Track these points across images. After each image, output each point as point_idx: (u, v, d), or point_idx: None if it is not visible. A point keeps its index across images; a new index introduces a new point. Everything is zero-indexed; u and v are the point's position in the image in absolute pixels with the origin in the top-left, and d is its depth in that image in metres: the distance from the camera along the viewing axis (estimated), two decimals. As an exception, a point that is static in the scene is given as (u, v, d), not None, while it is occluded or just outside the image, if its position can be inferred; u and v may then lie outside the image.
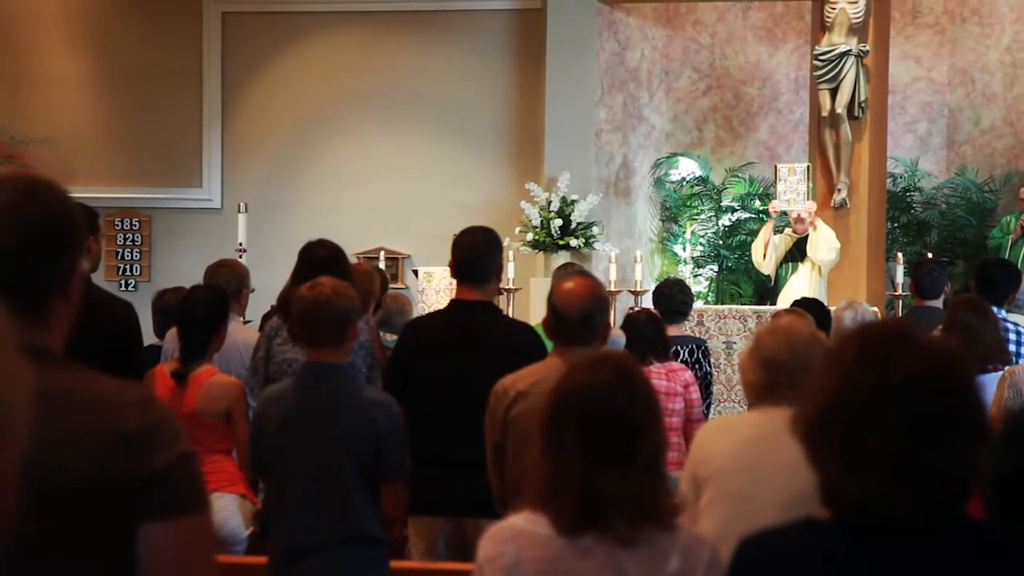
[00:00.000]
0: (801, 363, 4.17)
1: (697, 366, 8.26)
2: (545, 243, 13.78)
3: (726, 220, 15.30)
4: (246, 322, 7.91)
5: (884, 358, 2.23)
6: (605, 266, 12.87)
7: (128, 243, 15.23)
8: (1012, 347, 7.68)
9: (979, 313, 7.02)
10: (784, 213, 13.07)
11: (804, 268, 12.87)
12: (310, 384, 5.15)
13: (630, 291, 12.38)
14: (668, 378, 7.34)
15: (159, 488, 2.25)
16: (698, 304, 12.10)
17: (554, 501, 3.13)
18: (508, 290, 12.05)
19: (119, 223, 15.10)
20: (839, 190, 13.13)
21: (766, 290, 13.91)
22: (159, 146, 15.04)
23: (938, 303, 9.10)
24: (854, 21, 13.05)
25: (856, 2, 13.05)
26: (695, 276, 14.95)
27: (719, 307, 12.44)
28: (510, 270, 12.13)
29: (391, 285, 10.39)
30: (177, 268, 14.00)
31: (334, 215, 14.29)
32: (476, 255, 6.06)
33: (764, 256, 13.14)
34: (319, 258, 6.22)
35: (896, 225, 14.81)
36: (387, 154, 14.85)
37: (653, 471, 3.15)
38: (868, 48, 13.07)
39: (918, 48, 15.33)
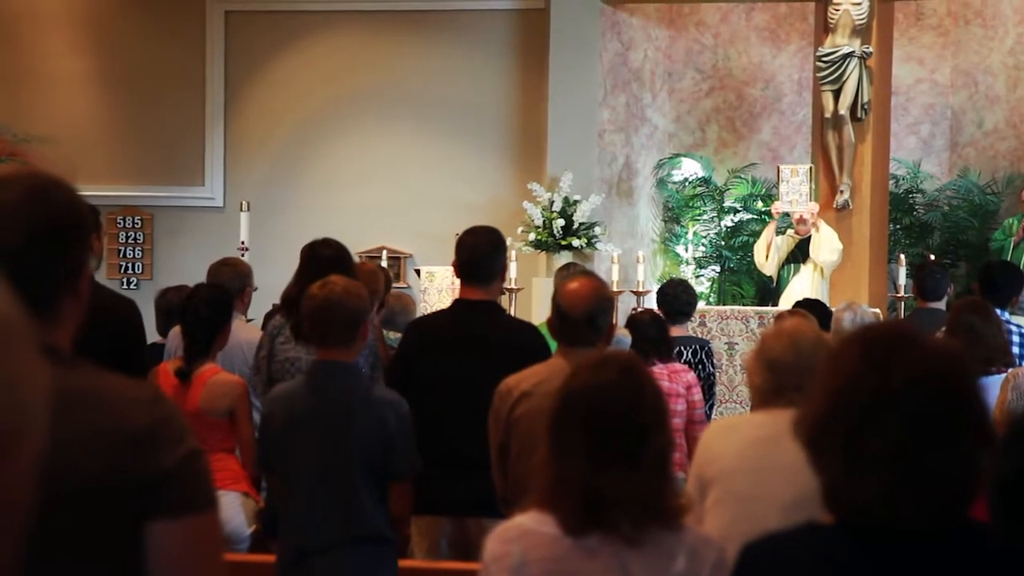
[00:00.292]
0: (806, 365, 4.16)
1: (700, 367, 8.26)
2: (547, 243, 13.78)
3: (728, 221, 15.29)
4: (248, 320, 7.91)
5: (886, 360, 2.22)
6: (607, 266, 12.85)
7: (130, 241, 15.23)
8: (1016, 349, 7.68)
9: (983, 315, 7.01)
10: (786, 214, 13.06)
11: (806, 269, 12.87)
12: (319, 383, 5.14)
13: (632, 291, 12.37)
14: (670, 379, 7.34)
15: (167, 487, 2.25)
16: (700, 305, 12.09)
17: (560, 501, 3.13)
18: (510, 290, 12.04)
19: (121, 221, 15.10)
20: (841, 191, 13.13)
21: (768, 291, 13.91)
22: (161, 144, 15.04)
23: (941, 305, 9.10)
24: (857, 23, 13.05)
25: (860, 4, 13.05)
26: (697, 277, 14.94)
27: (721, 308, 12.43)
28: (512, 270, 12.13)
29: (393, 285, 10.38)
30: (179, 266, 14.01)
31: (336, 214, 14.29)
32: (480, 255, 6.06)
33: (766, 257, 13.14)
34: (324, 257, 6.21)
35: (898, 227, 14.81)
36: (389, 153, 14.86)
37: (659, 471, 3.15)
38: (871, 50, 13.07)
39: (921, 50, 15.32)
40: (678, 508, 3.17)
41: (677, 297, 8.74)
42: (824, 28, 13.26)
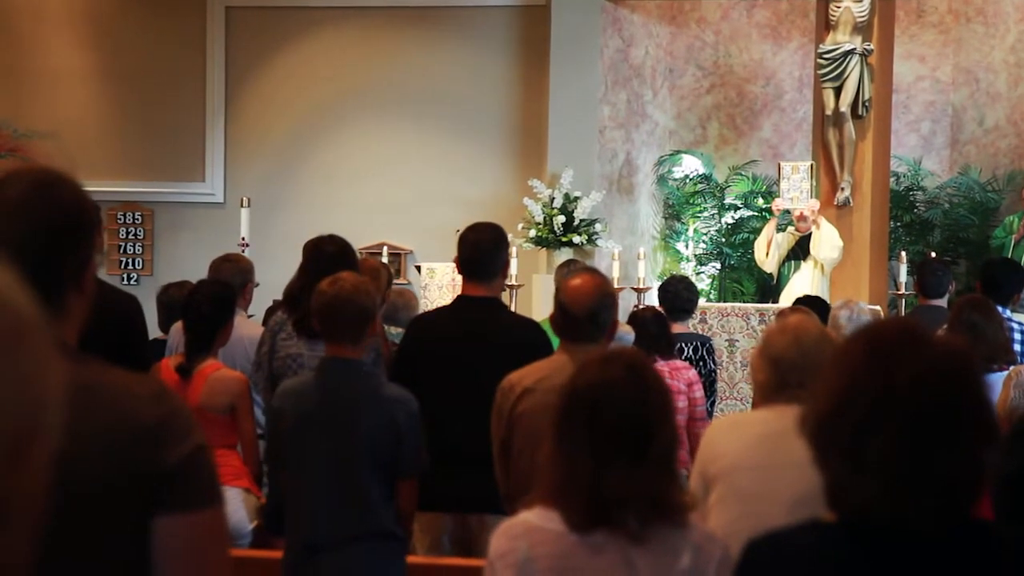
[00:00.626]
0: (810, 362, 4.16)
1: (701, 363, 8.25)
2: (548, 240, 13.78)
3: (729, 218, 15.29)
4: (249, 316, 7.90)
5: (891, 359, 2.21)
6: (608, 263, 12.85)
7: (130, 237, 15.23)
8: (1017, 347, 7.69)
9: (984, 313, 7.01)
10: (787, 211, 13.06)
11: (807, 266, 12.86)
12: (330, 380, 5.14)
13: (633, 288, 12.36)
14: (672, 376, 7.33)
15: (174, 482, 2.25)
16: (701, 302, 12.09)
17: (565, 498, 3.12)
18: (511, 286, 12.04)
19: (121, 217, 15.10)
20: (842, 189, 13.12)
21: (768, 288, 13.90)
22: (162, 140, 15.04)
23: (942, 302, 9.10)
24: (859, 20, 13.04)
25: (861, 1, 13.05)
26: (697, 274, 14.93)
27: (722, 305, 12.43)
28: (513, 267, 12.12)
29: (394, 281, 10.38)
30: (179, 262, 14.02)
31: (337, 210, 14.28)
32: (482, 251, 6.04)
33: (767, 254, 13.13)
34: (329, 254, 6.20)
35: (899, 224, 14.81)
36: (390, 149, 14.86)
37: (665, 468, 3.14)
38: (872, 47, 13.06)
39: (922, 47, 15.32)
40: (684, 505, 3.17)
41: (678, 294, 8.73)
42: (825, 25, 13.25)
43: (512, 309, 11.19)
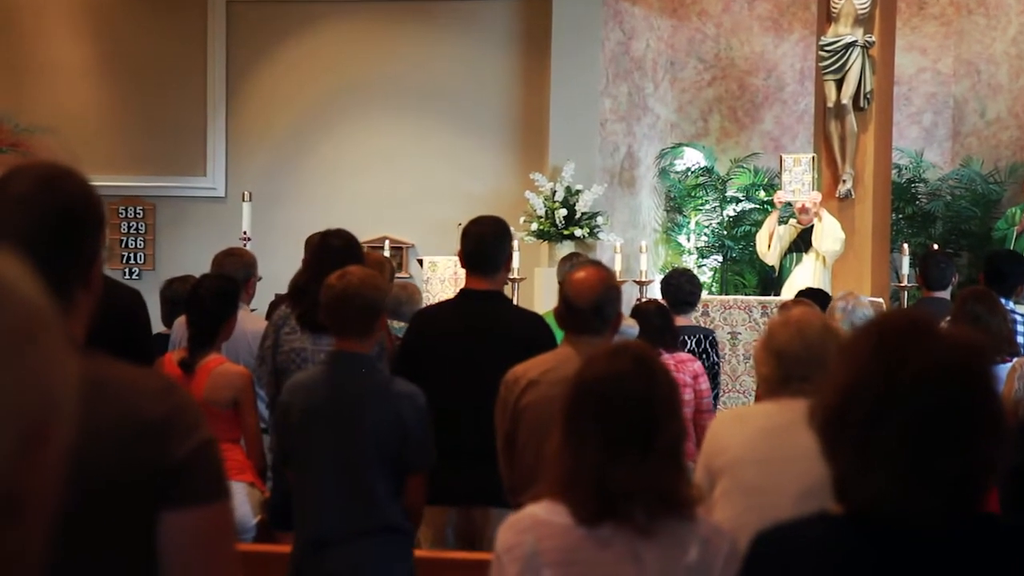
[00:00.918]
0: (814, 355, 4.16)
1: (704, 356, 8.24)
2: (550, 233, 13.78)
3: (731, 211, 15.29)
4: (252, 310, 7.90)
5: (899, 352, 2.20)
6: (610, 256, 12.85)
7: (132, 231, 15.23)
8: (1021, 339, 7.68)
9: (988, 305, 7.01)
10: (789, 204, 13.04)
11: (808, 259, 12.84)
12: (336, 374, 5.13)
13: (635, 281, 12.36)
14: (677, 369, 7.31)
15: (181, 477, 2.24)
16: (703, 295, 12.08)
17: (573, 491, 3.12)
18: (513, 280, 12.03)
19: (123, 211, 15.10)
20: (844, 181, 13.12)
21: (770, 281, 13.90)
22: (163, 134, 15.04)
23: (946, 295, 9.10)
24: (860, 12, 13.03)
25: (862, -7, 13.05)
26: (699, 266, 14.93)
27: (724, 297, 12.41)
28: (515, 260, 12.11)
29: (396, 275, 10.37)
30: (181, 257, 14.02)
31: (338, 204, 14.29)
32: (486, 245, 6.04)
33: (769, 247, 13.12)
34: (335, 248, 6.19)
35: (901, 216, 14.80)
36: (391, 143, 14.85)
37: (672, 461, 3.14)
38: (874, 39, 13.05)
39: (924, 39, 15.31)
40: (691, 498, 3.16)
41: (681, 287, 8.72)
42: (827, 17, 13.24)
43: (514, 303, 11.19)
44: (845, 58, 12.98)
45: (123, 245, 15.18)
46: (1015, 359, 6.79)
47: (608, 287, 5.13)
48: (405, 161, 14.80)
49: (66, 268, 2.29)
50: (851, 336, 2.42)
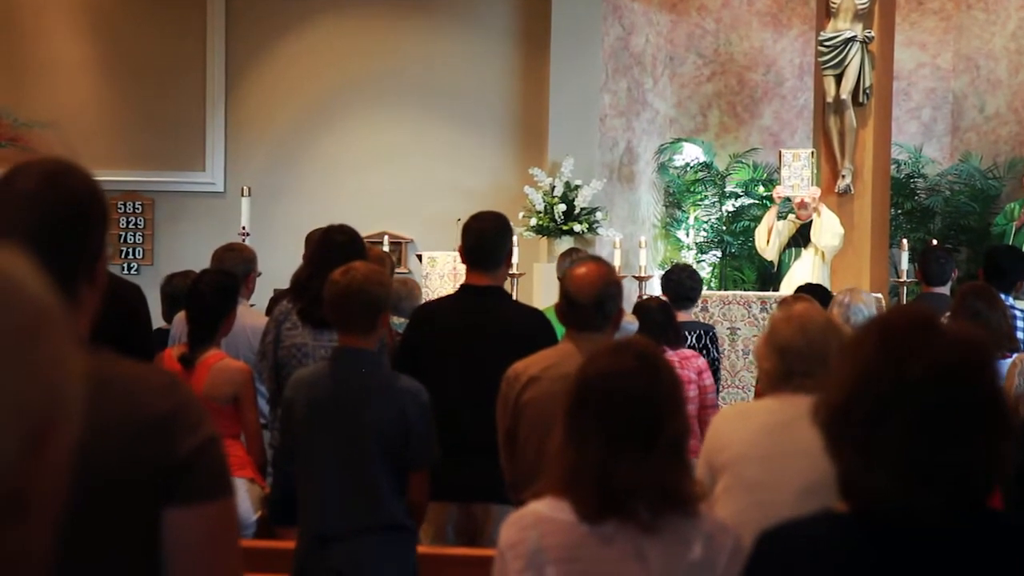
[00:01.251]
0: (816, 351, 4.16)
1: (705, 352, 8.24)
2: (549, 228, 13.77)
3: (730, 206, 15.29)
4: (251, 305, 7.90)
5: (904, 350, 2.19)
6: (609, 251, 12.83)
7: (131, 226, 15.21)
8: (1020, 334, 7.69)
9: (988, 300, 7.01)
10: (788, 199, 13.04)
11: (807, 254, 12.85)
12: (340, 369, 5.12)
13: (634, 276, 12.35)
14: (681, 366, 7.31)
15: (185, 474, 2.24)
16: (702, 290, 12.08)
17: (576, 488, 3.12)
18: (512, 275, 12.03)
19: (122, 206, 15.08)
20: (843, 176, 13.12)
21: (769, 276, 13.90)
22: (162, 129, 15.02)
23: (945, 290, 9.10)
24: (859, 7, 13.03)
25: (861, -12, 13.04)
26: (698, 262, 14.92)
27: (723, 293, 12.41)
28: (514, 255, 12.11)
29: (395, 270, 10.36)
30: (180, 252, 14.01)
31: (337, 199, 14.27)
32: (486, 240, 6.03)
33: (767, 242, 13.12)
34: (338, 243, 6.19)
35: (900, 212, 14.81)
36: (391, 139, 14.84)
37: (676, 457, 3.13)
38: (873, 34, 13.04)
39: (923, 34, 15.31)
40: (695, 494, 3.16)
41: (682, 282, 8.72)
42: (826, 12, 13.24)
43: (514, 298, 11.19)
44: (844, 53, 12.98)
45: (122, 240, 15.15)
46: (1015, 355, 6.79)
47: (609, 283, 5.12)
48: (404, 156, 14.79)
49: (72, 264, 2.29)
50: (855, 333, 2.41)
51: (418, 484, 5.13)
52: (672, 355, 7.33)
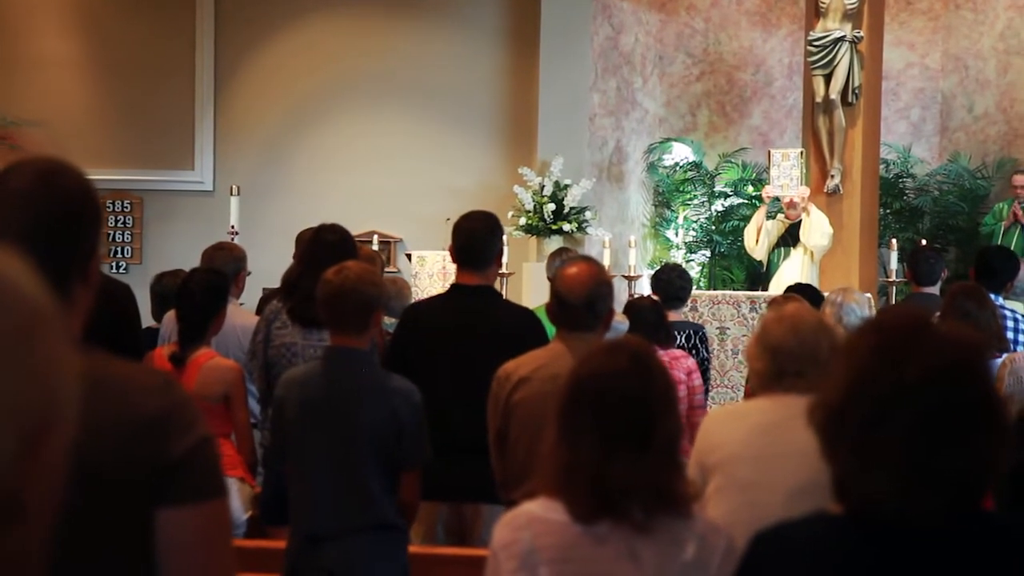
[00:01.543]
0: (807, 351, 4.16)
1: (695, 352, 8.24)
2: (538, 228, 13.78)
3: (719, 205, 15.31)
4: (240, 304, 7.89)
5: (901, 352, 2.19)
6: (598, 251, 12.85)
7: (120, 225, 15.19)
8: (1010, 334, 7.70)
9: (978, 300, 7.02)
10: (777, 199, 13.06)
11: (796, 254, 12.86)
12: (332, 369, 5.12)
13: (623, 276, 12.36)
14: (671, 366, 7.29)
15: (179, 474, 2.24)
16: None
17: (569, 488, 3.11)
18: (501, 275, 12.03)
19: (111, 205, 15.05)
20: (832, 176, 13.14)
21: (758, 276, 13.92)
22: (151, 128, 15.00)
23: (935, 290, 9.11)
24: (848, 7, 13.05)
25: (851, -12, 13.06)
26: (687, 261, 14.94)
27: (713, 292, 12.42)
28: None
29: (385, 269, 10.35)
30: (169, 251, 14.00)
31: (326, 199, 14.27)
32: (477, 239, 6.03)
33: (756, 242, 13.13)
34: (330, 243, 6.19)
35: (888, 211, 14.83)
36: (380, 138, 14.84)
37: (669, 458, 3.13)
38: (862, 34, 13.06)
39: (912, 34, 15.34)
40: (688, 495, 3.15)
41: (672, 282, 8.72)
42: (815, 12, 13.26)
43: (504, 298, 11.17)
44: (833, 53, 13.00)
45: (110, 239, 15.13)
46: (1005, 355, 6.80)
47: (600, 283, 5.11)
48: (393, 155, 14.78)
49: (66, 263, 2.28)
50: (851, 335, 2.40)
51: (410, 484, 5.12)
52: (663, 355, 7.31)
